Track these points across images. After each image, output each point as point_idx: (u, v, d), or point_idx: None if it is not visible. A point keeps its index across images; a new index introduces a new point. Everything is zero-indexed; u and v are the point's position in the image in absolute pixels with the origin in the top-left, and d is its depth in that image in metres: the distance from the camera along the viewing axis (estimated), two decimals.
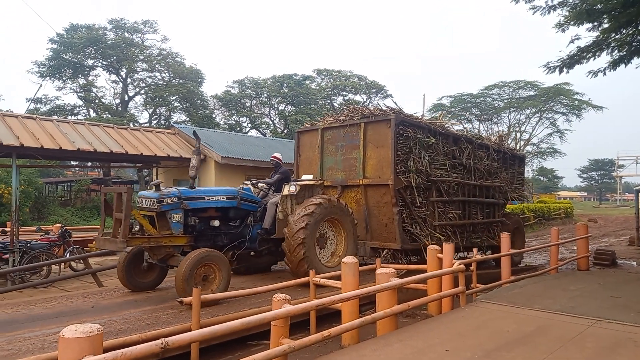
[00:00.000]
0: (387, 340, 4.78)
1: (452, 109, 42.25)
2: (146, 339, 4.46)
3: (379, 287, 5.02)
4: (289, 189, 7.73)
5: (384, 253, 9.38)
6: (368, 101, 40.59)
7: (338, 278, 6.26)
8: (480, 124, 42.14)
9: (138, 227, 6.51)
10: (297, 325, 6.07)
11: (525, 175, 15.65)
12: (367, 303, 6.91)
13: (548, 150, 44.31)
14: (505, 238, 8.79)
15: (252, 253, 8.26)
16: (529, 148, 44.34)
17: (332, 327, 4.81)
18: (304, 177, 9.08)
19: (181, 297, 5.53)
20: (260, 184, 8.47)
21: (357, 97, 41.16)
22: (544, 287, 7.74)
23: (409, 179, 8.98)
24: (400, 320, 5.80)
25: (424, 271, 7.15)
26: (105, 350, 2.94)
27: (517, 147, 40.36)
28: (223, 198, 7.25)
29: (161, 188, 6.69)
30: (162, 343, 3.07)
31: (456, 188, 10.34)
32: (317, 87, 40.79)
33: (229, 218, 7.51)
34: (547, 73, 12.12)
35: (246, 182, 8.63)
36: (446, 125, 10.97)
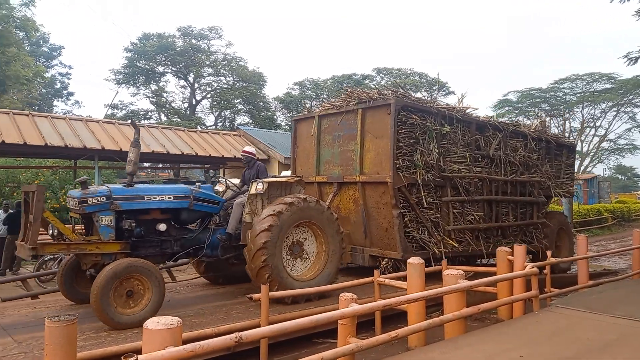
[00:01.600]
0: (456, 344, 4.67)
1: (519, 105, 40.42)
2: (219, 333, 4.67)
3: (447, 289, 4.91)
4: (256, 186, 6.61)
5: (384, 262, 8.01)
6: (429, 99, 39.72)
7: (403, 278, 6.19)
8: (551, 120, 39.97)
9: (56, 231, 5.70)
10: (359, 324, 6.06)
11: (602, 174, 13.88)
12: (432, 305, 6.80)
13: (627, 146, 41.25)
14: (582, 240, 8.30)
15: (234, 261, 7.25)
16: (605, 144, 41.53)
17: (398, 328, 4.77)
18: (283, 173, 8.09)
19: (95, 314, 5.11)
20: (230, 182, 7.43)
21: (418, 96, 40.42)
22: (625, 292, 7.22)
23: (414, 175, 7.74)
24: (468, 323, 5.64)
25: (493, 273, 6.93)
26: (183, 342, 3.11)
27: (591, 144, 37.94)
28: (169, 198, 6.16)
29: (88, 186, 5.81)
30: (236, 337, 3.19)
31: (479, 185, 8.85)
32: (377, 86, 40.51)
33: (181, 221, 6.51)
34: (628, 64, 11.32)
35: (220, 179, 7.75)
36: (468, 110, 9.20)
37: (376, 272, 6.41)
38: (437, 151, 8.03)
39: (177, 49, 33.64)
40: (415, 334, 5.08)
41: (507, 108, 39.88)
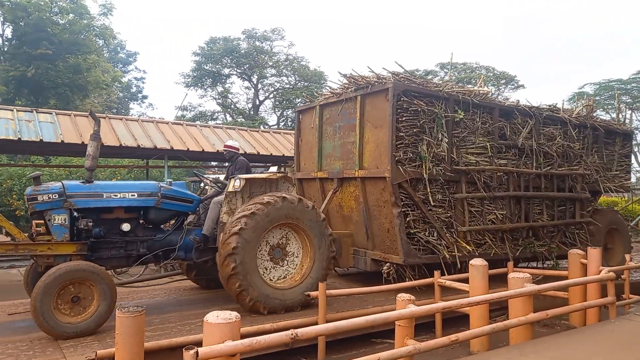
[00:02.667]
0: (522, 350, 4.45)
1: (597, 97, 37.75)
2: (277, 329, 4.75)
3: (512, 293, 4.69)
4: (234, 183, 6.03)
5: (385, 267, 7.11)
6: (497, 94, 38.18)
7: (465, 281, 5.99)
8: (633, 113, 36.99)
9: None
10: (419, 326, 5.94)
11: None
12: (497, 309, 6.53)
13: None
14: None
15: (211, 264, 6.45)
16: None
17: (459, 331, 4.63)
18: (271, 169, 7.64)
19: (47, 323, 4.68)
20: (208, 179, 6.83)
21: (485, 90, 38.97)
22: None
23: (419, 169, 6.89)
24: (536, 329, 5.36)
25: (564, 278, 6.53)
26: (242, 337, 3.19)
27: None
28: (133, 195, 5.73)
29: (41, 182, 5.50)
30: (292, 334, 3.23)
31: (505, 179, 7.83)
32: (440, 82, 39.47)
33: (149, 221, 6.05)
34: None
35: (207, 177, 6.92)
36: (490, 94, 8.13)
37: (436, 273, 6.25)
38: (447, 141, 7.11)
39: (242, 51, 34.69)
40: (477, 338, 4.91)
41: (582, 102, 37.41)
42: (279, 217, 5.87)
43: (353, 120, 7.44)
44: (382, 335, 5.84)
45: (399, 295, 4.33)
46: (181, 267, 7.31)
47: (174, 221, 6.33)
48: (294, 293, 5.88)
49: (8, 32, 24.16)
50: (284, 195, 5.98)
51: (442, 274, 6.61)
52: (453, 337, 4.20)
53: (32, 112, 12.00)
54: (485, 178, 7.55)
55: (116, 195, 5.66)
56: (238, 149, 7.10)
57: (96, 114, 5.99)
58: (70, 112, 13.29)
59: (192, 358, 2.74)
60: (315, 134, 8.28)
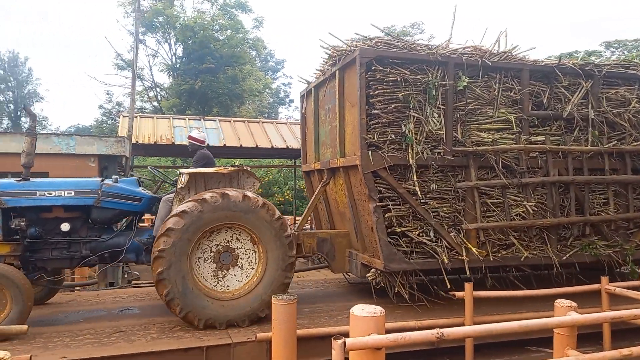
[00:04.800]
0: None
1: None
2: (422, 327, 4.74)
3: None
4: (181, 179, 5.53)
5: (369, 275, 5.95)
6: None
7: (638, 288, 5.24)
8: None
9: None
10: (579, 336, 5.36)
11: None
12: None
13: None
14: None
15: None
16: None
17: (632, 345, 4.07)
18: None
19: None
20: (159, 173, 6.36)
21: None
22: None
23: (404, 152, 5.59)
24: None
25: None
26: (387, 331, 3.25)
27: None
28: (69, 193, 5.41)
29: None
30: (437, 333, 3.19)
31: (542, 161, 6.14)
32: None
33: (93, 221, 5.65)
34: None
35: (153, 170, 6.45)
36: (513, 52, 6.32)
37: (603, 279, 5.56)
38: (444, 116, 5.73)
39: None
40: None
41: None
42: (219, 216, 5.23)
43: (335, 100, 6.35)
44: (537, 343, 5.43)
45: (558, 301, 3.98)
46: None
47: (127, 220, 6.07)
48: (240, 304, 5.27)
49: (179, 51, 27.84)
50: (225, 191, 5.32)
51: (443, 284, 5.65)
52: (625, 351, 3.71)
53: (200, 120, 13.71)
54: (507, 160, 6.00)
55: (50, 194, 5.41)
56: (203, 141, 6.43)
57: (32, 112, 5.78)
58: (230, 118, 14.86)
59: (340, 348, 2.88)
60: (312, 120, 7.37)
